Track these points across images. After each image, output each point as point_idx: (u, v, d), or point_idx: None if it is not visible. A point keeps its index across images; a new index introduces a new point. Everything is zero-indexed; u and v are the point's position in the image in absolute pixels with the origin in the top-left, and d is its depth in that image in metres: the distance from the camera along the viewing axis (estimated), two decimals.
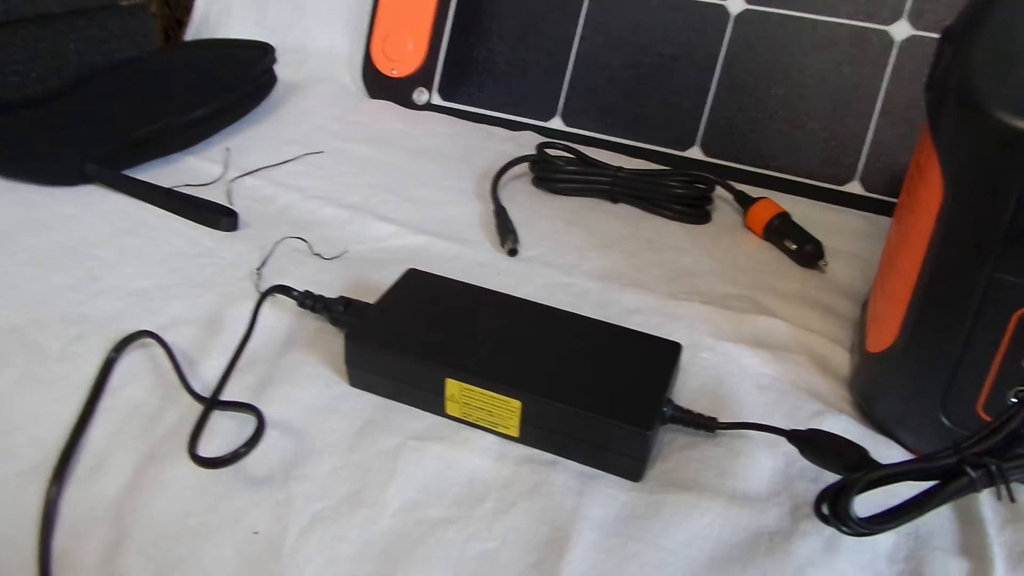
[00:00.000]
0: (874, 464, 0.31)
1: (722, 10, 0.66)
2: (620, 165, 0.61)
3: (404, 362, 0.38)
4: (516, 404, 0.36)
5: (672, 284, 0.51)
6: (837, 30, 0.63)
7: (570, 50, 0.71)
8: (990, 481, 0.28)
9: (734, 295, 0.50)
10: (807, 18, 0.64)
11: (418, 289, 0.43)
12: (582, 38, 0.71)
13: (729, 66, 0.66)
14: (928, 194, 0.36)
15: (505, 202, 0.59)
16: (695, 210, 0.59)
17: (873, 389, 0.41)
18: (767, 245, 0.57)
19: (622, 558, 0.32)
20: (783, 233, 0.55)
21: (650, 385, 0.37)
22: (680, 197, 0.59)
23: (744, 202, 0.59)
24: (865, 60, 0.63)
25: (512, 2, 0.73)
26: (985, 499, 0.36)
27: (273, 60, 0.73)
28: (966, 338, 0.36)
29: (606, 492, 0.35)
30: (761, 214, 0.57)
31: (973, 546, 0.34)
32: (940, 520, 0.35)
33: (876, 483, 0.29)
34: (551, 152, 0.63)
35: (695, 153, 0.68)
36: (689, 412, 0.37)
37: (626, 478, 0.36)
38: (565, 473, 0.36)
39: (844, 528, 0.29)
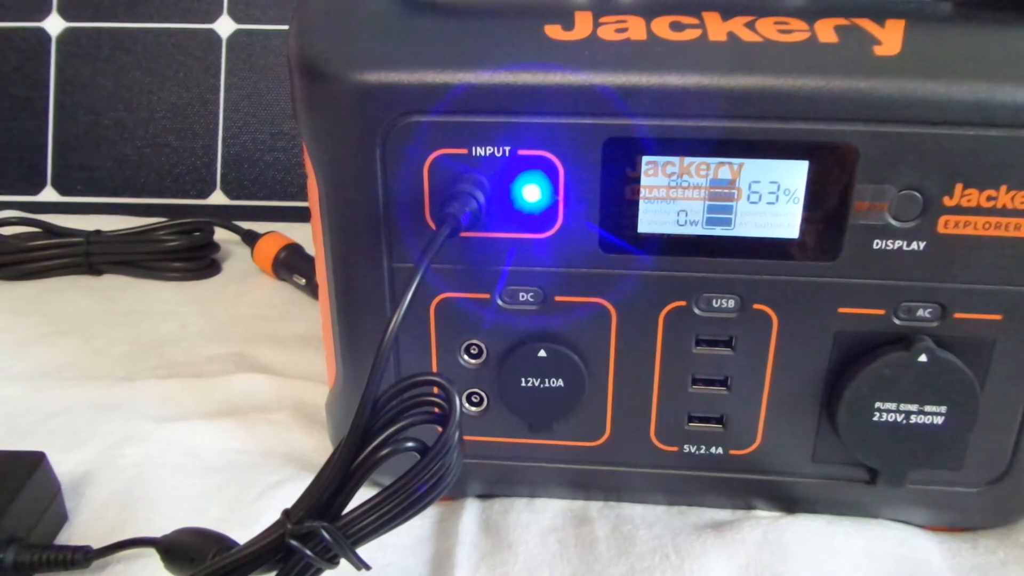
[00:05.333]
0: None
1: (40, 33, 0.58)
2: (98, 228, 0.50)
3: None
4: None
5: (137, 362, 0.40)
6: (166, 37, 0.58)
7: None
8: (330, 550, 0.20)
9: (218, 356, 0.41)
10: (135, 28, 0.58)
11: None
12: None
13: (64, 94, 0.58)
14: (312, 192, 0.30)
15: None
16: (196, 263, 0.49)
17: (339, 433, 0.33)
18: (282, 284, 0.48)
19: None
20: (291, 267, 0.47)
21: None
22: (175, 251, 0.49)
23: (251, 241, 0.50)
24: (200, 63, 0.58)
25: None
26: (465, 537, 0.30)
27: None
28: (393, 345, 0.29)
29: None
30: (266, 251, 0.48)
31: None
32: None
33: None
34: (2, 232, 0.49)
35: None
36: (50, 549, 0.26)
37: None
38: None
39: None
